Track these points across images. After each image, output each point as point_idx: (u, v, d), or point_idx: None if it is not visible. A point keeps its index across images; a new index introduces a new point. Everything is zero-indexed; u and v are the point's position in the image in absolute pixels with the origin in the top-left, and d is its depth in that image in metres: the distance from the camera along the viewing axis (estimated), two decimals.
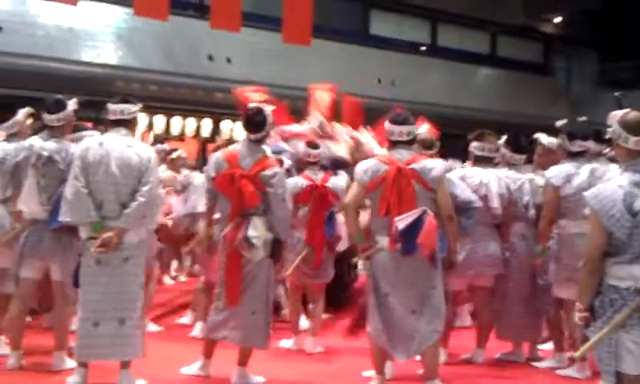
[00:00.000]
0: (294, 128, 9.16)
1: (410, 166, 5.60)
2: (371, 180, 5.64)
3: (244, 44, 17.51)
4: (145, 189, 5.61)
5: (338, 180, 7.53)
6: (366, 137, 9.54)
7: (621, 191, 4.01)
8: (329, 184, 7.28)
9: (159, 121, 17.46)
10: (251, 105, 6.38)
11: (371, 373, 5.92)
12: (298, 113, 9.93)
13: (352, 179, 8.19)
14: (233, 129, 17.52)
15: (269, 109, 6.24)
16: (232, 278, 5.88)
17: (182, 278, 11.49)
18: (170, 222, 9.09)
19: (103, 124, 7.49)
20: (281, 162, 6.65)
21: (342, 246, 7.27)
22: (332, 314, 8.45)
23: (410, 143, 5.79)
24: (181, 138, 17.82)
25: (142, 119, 16.23)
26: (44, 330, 6.95)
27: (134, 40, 17.21)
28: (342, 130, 9.42)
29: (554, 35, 26.93)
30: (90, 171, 5.60)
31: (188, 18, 17.84)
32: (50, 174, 5.99)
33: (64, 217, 5.63)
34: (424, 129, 6.88)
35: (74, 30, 16.45)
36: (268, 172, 5.92)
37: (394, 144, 5.77)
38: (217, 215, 6.20)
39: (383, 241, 5.60)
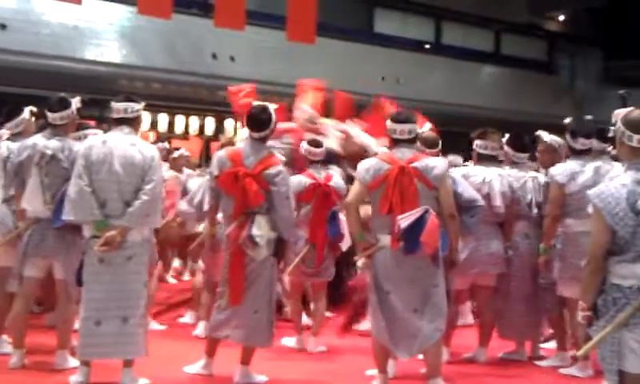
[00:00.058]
0: (284, 123, 9.18)
1: (412, 165, 5.59)
2: (373, 179, 5.63)
3: (248, 42, 17.53)
4: (148, 187, 5.61)
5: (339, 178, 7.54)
6: (356, 129, 9.55)
7: (624, 190, 4.00)
8: (332, 183, 7.27)
9: (162, 119, 17.48)
10: (255, 103, 6.37)
11: (374, 372, 5.91)
12: None
13: (345, 173, 8.28)
14: (237, 127, 17.53)
15: (272, 107, 6.24)
16: (235, 276, 5.88)
17: (186, 277, 11.50)
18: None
19: (107, 122, 7.50)
20: None
21: (344, 245, 7.26)
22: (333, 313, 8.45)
23: (411, 141, 5.78)
24: (184, 136, 17.84)
25: (146, 118, 16.23)
26: (47, 329, 6.95)
27: (137, 38, 17.23)
28: (330, 124, 9.43)
29: (558, 33, 26.93)
30: (94, 170, 5.60)
31: (192, 16, 17.86)
32: (53, 172, 5.99)
33: (67, 215, 5.63)
34: (427, 127, 6.86)
35: (78, 29, 16.48)
36: (272, 170, 5.92)
37: (395, 142, 5.77)
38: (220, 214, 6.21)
39: (385, 239, 5.59)
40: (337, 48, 19.85)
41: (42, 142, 6.04)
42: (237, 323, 5.93)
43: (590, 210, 4.13)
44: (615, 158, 6.27)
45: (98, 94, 12.84)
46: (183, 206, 8.24)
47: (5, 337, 6.52)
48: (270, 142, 7.11)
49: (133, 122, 5.86)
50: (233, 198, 5.86)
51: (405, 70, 21.84)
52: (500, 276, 6.90)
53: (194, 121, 18.09)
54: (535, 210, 6.91)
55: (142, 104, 5.94)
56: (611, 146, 6.32)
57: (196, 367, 6.18)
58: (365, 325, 7.92)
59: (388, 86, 20.75)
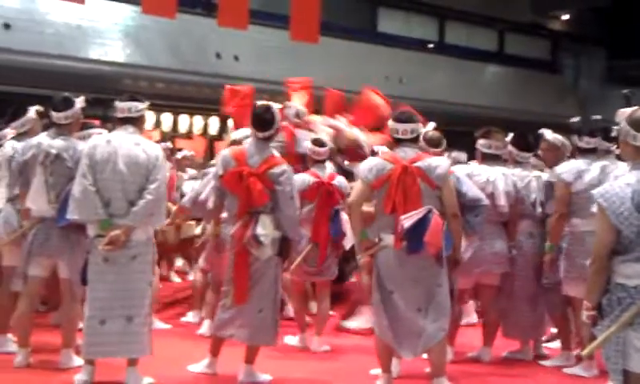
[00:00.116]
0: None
1: (415, 164, 5.59)
2: (376, 178, 5.63)
3: (252, 42, 17.51)
4: (152, 186, 5.62)
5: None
6: (344, 123, 9.59)
7: (629, 189, 4.00)
8: (335, 181, 7.28)
9: (166, 119, 17.48)
10: (259, 103, 6.37)
11: (378, 371, 5.91)
12: None
13: (341, 168, 8.28)
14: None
15: (277, 106, 6.25)
16: (240, 275, 5.88)
17: (192, 277, 11.51)
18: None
19: (111, 122, 7.51)
20: None
21: (347, 244, 7.26)
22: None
23: (414, 141, 5.79)
24: (188, 135, 17.84)
25: (150, 117, 16.24)
26: (51, 328, 6.97)
27: (141, 38, 17.23)
28: (318, 120, 9.45)
29: (562, 32, 26.88)
30: (98, 169, 5.60)
31: (196, 15, 17.84)
32: (58, 171, 6.00)
33: (72, 215, 5.64)
34: (431, 126, 6.86)
35: (82, 28, 16.47)
36: (276, 170, 5.92)
37: (397, 142, 5.77)
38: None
39: (388, 239, 5.59)
40: (340, 47, 19.83)
41: (46, 141, 6.05)
42: (241, 322, 5.93)
43: (595, 209, 4.13)
44: (620, 158, 6.27)
45: (102, 94, 12.83)
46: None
47: (10, 336, 6.53)
48: None
49: (137, 122, 5.86)
50: (237, 197, 5.87)
51: (408, 69, 21.81)
52: (504, 275, 6.90)
53: (198, 120, 18.08)
54: (539, 210, 6.91)
55: (146, 103, 5.95)
56: (615, 146, 6.33)
57: (200, 366, 6.19)
58: (352, 323, 7.95)
59: (391, 86, 20.75)
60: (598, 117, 7.12)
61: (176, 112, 17.67)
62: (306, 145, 7.65)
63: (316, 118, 9.50)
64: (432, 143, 6.57)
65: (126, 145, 5.67)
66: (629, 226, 3.95)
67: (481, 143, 6.97)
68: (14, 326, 6.36)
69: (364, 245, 5.78)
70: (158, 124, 17.21)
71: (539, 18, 25.58)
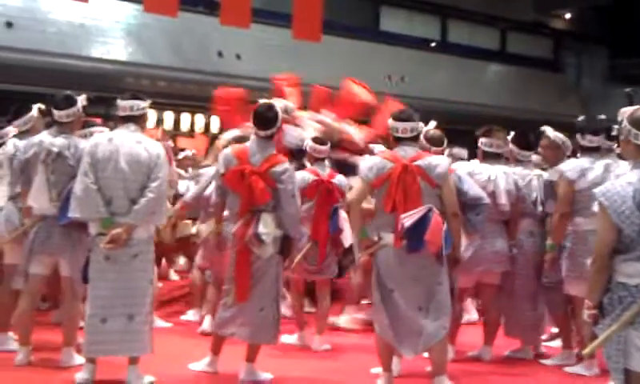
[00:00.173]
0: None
1: (415, 163, 5.59)
2: (376, 177, 5.63)
3: (254, 40, 17.53)
4: (154, 185, 5.62)
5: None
6: (331, 118, 9.64)
7: (630, 188, 4.00)
8: (335, 180, 7.27)
9: (168, 117, 17.50)
10: (261, 101, 6.37)
11: (379, 370, 5.91)
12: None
13: (336, 164, 8.28)
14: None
15: (279, 104, 6.25)
16: (241, 274, 5.88)
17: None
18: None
19: (113, 120, 7.52)
20: None
21: (346, 241, 7.24)
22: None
23: (413, 140, 5.79)
24: (190, 134, 17.85)
25: (151, 115, 16.25)
26: (53, 326, 6.97)
27: (143, 36, 17.25)
28: (305, 116, 9.47)
29: (564, 31, 26.90)
30: (100, 167, 5.60)
31: (197, 14, 17.86)
32: (59, 169, 6.00)
33: (73, 213, 5.64)
34: (432, 125, 6.85)
35: (84, 26, 16.50)
36: (278, 168, 5.92)
37: (397, 141, 5.77)
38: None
39: (388, 237, 5.59)
40: (342, 46, 19.84)
41: (48, 139, 6.05)
42: (242, 321, 5.93)
43: (596, 208, 4.13)
44: (622, 157, 6.26)
45: (103, 92, 12.86)
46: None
47: (11, 334, 6.53)
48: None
49: (139, 120, 5.86)
50: (239, 195, 5.87)
51: (410, 67, 21.82)
52: (505, 274, 6.89)
53: (200, 119, 18.10)
54: (540, 208, 6.90)
55: (148, 102, 5.95)
56: (617, 144, 6.32)
57: (201, 364, 6.19)
58: (339, 320, 7.94)
59: (394, 84, 20.77)
60: (603, 116, 7.09)
61: (178, 110, 17.69)
62: (292, 139, 7.66)
63: (303, 114, 9.53)
64: (433, 142, 6.58)
65: (128, 143, 5.67)
66: (630, 224, 3.95)
67: (482, 142, 6.97)
68: (15, 324, 6.36)
69: (364, 243, 5.78)
70: (159, 122, 17.21)
71: (541, 17, 25.60)
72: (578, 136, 6.69)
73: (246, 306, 5.90)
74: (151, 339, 5.71)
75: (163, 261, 10.43)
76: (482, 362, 6.91)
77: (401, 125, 5.75)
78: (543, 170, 7.25)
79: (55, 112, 6.14)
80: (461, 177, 6.30)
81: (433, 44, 24.02)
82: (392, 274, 5.60)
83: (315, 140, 7.50)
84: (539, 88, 24.58)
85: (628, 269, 3.98)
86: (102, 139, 5.76)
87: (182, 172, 10.61)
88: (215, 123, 18.14)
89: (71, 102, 6.16)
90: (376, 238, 5.70)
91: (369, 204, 6.08)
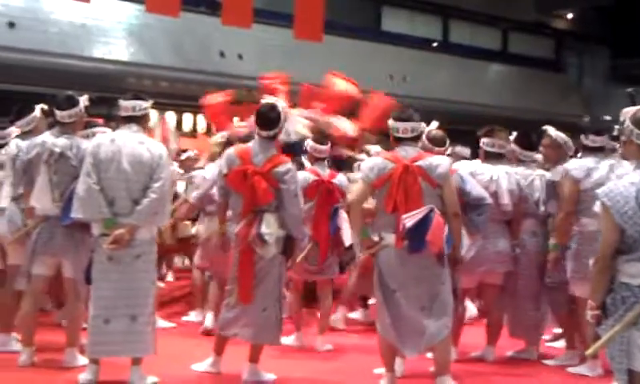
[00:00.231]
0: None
1: (416, 163, 5.59)
2: (377, 177, 5.62)
3: (255, 40, 17.53)
4: (156, 185, 5.62)
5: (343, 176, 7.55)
6: (318, 114, 9.69)
7: (633, 188, 4.00)
8: (335, 180, 7.27)
9: (170, 117, 17.49)
10: (264, 101, 6.37)
11: (382, 370, 5.91)
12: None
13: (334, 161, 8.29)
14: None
15: (282, 104, 6.26)
16: (244, 274, 5.88)
17: None
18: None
19: (115, 120, 7.52)
20: None
21: (346, 241, 7.24)
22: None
23: (414, 140, 5.78)
24: (192, 134, 17.85)
25: (153, 116, 16.23)
26: (56, 327, 6.97)
27: (145, 36, 17.25)
28: (295, 113, 9.52)
29: (565, 31, 26.89)
30: (102, 168, 5.61)
31: (199, 14, 17.85)
32: (62, 170, 6.00)
33: (76, 213, 5.64)
34: (434, 125, 6.84)
35: (86, 27, 16.50)
36: (281, 168, 5.92)
37: (398, 141, 5.76)
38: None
39: (389, 238, 5.59)
40: (344, 46, 19.83)
41: (50, 139, 6.06)
42: (245, 321, 5.93)
43: (597, 208, 4.13)
44: (624, 157, 6.26)
45: (105, 92, 12.85)
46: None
47: (14, 334, 6.54)
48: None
49: (141, 120, 5.86)
50: (242, 196, 5.87)
51: (412, 68, 21.82)
52: (507, 274, 6.89)
53: (202, 119, 18.09)
54: (542, 208, 6.90)
55: (150, 102, 5.95)
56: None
57: (204, 365, 6.19)
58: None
59: (395, 84, 20.77)
60: (608, 117, 7.05)
61: (180, 111, 17.69)
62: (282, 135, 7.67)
63: (293, 111, 9.56)
64: (436, 142, 6.57)
65: (130, 144, 5.67)
66: (633, 225, 3.95)
67: (484, 142, 6.96)
68: (19, 325, 6.36)
69: (365, 244, 5.78)
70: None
71: (543, 17, 25.59)
72: (582, 136, 6.68)
73: (248, 307, 5.90)
74: (154, 340, 5.71)
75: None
76: (485, 363, 6.90)
77: (401, 125, 5.74)
78: (546, 170, 7.24)
79: (57, 112, 6.14)
80: (463, 177, 6.29)
81: (434, 44, 24.02)
82: (394, 275, 5.59)
83: (315, 140, 7.49)
84: (541, 88, 24.57)
85: (631, 269, 3.99)
86: (104, 140, 5.76)
87: (182, 172, 10.62)
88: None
89: (73, 103, 6.17)
90: (377, 239, 5.70)
91: (368, 204, 6.08)
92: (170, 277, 11.11)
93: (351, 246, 7.15)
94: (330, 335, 7.44)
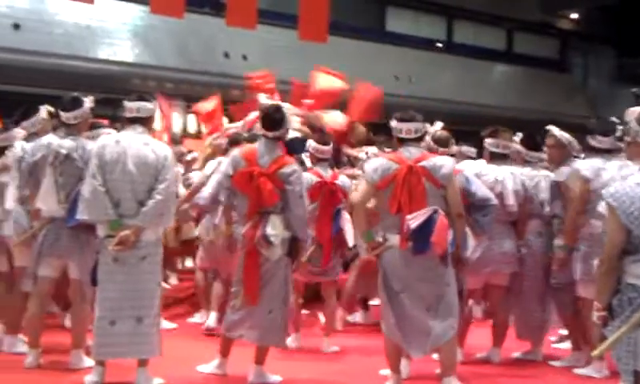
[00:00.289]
0: (251, 115, 9.29)
1: (420, 164, 5.59)
2: (381, 178, 5.62)
3: (260, 41, 17.54)
4: (162, 187, 5.62)
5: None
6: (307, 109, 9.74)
7: (639, 189, 3.99)
8: (338, 181, 7.25)
9: (175, 118, 17.51)
10: (269, 103, 6.37)
11: (387, 372, 5.91)
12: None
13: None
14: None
15: (287, 106, 6.26)
16: (250, 276, 5.88)
17: None
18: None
19: (120, 122, 7.52)
20: None
21: (349, 241, 7.23)
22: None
23: (417, 140, 5.78)
24: (197, 135, 17.84)
25: (158, 117, 16.26)
26: (62, 329, 6.98)
27: (150, 38, 17.27)
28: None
29: (570, 31, 26.86)
30: (107, 169, 5.61)
31: (204, 15, 17.88)
32: (67, 171, 6.01)
33: (81, 215, 5.65)
34: (438, 126, 6.83)
35: (91, 28, 16.53)
36: (286, 170, 5.92)
37: (401, 142, 5.76)
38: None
39: (393, 239, 5.58)
40: (349, 47, 19.84)
41: (55, 141, 6.06)
42: (251, 323, 5.93)
43: (601, 208, 4.12)
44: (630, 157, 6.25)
45: (110, 94, 12.84)
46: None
47: (21, 336, 6.54)
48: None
49: (146, 122, 5.86)
50: (247, 197, 5.87)
51: (417, 68, 21.82)
52: (513, 275, 6.88)
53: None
54: (548, 209, 6.88)
55: (155, 103, 5.95)
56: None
57: (210, 367, 6.19)
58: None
59: (400, 85, 20.78)
60: (615, 120, 7.03)
61: (185, 112, 17.70)
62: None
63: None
64: (440, 143, 6.55)
65: (135, 145, 5.67)
66: (639, 225, 3.94)
67: (488, 142, 6.95)
68: (25, 327, 6.37)
69: (370, 245, 5.78)
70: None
71: (548, 17, 25.57)
72: (589, 137, 6.66)
73: (254, 309, 5.89)
74: (160, 341, 5.71)
75: None
76: (491, 364, 6.89)
77: (404, 125, 5.74)
78: (549, 170, 7.22)
79: (62, 114, 6.15)
80: (468, 178, 6.29)
81: (439, 44, 24.02)
82: (398, 276, 5.59)
83: (318, 141, 7.47)
84: (546, 88, 24.55)
85: (637, 270, 3.98)
86: (109, 141, 5.76)
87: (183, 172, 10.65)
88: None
89: (78, 104, 6.17)
90: (381, 240, 5.70)
91: (369, 204, 6.08)
92: (173, 279, 11.10)
93: (354, 246, 7.14)
94: (335, 336, 7.42)
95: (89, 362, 5.95)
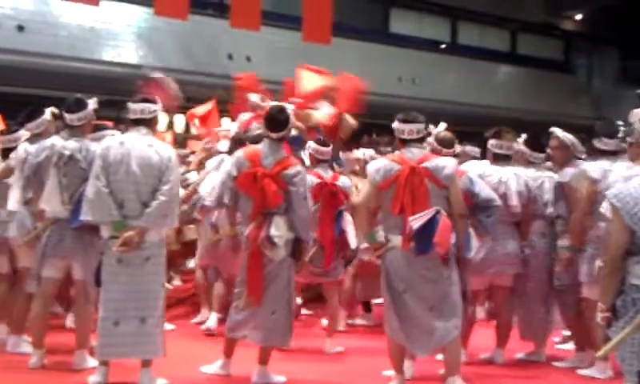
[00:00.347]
0: (245, 115, 9.29)
1: (423, 165, 5.60)
2: (383, 179, 5.63)
3: (264, 43, 17.55)
4: (165, 188, 5.63)
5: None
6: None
7: None
8: (339, 182, 7.25)
9: (179, 120, 17.52)
10: (273, 103, 6.37)
11: (391, 372, 5.91)
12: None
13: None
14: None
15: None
16: (254, 277, 5.88)
17: None
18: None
19: (124, 123, 7.54)
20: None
21: (352, 243, 7.23)
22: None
23: (420, 141, 5.79)
24: (198, 137, 17.84)
25: (162, 118, 16.28)
26: (66, 329, 6.99)
27: (154, 39, 17.29)
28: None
29: (574, 32, 26.86)
30: (111, 170, 5.62)
31: (208, 17, 17.90)
32: (71, 172, 6.01)
33: (85, 216, 5.66)
34: (442, 127, 6.83)
35: (95, 30, 16.56)
36: (290, 171, 5.92)
37: (404, 143, 5.77)
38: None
39: (396, 240, 5.59)
40: (352, 48, 19.84)
41: (59, 142, 6.07)
42: (255, 324, 5.94)
43: (602, 209, 4.12)
44: (632, 158, 6.24)
45: (114, 95, 12.87)
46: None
47: (25, 336, 6.55)
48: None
49: (150, 123, 5.87)
50: (251, 198, 5.87)
51: (421, 70, 21.83)
52: (517, 276, 6.87)
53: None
54: (551, 210, 6.87)
55: (159, 105, 5.96)
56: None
57: (214, 367, 6.20)
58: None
59: (404, 86, 20.80)
60: (621, 123, 7.00)
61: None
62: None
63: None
64: (444, 144, 6.55)
65: (139, 146, 5.68)
66: None
67: (492, 143, 6.94)
68: (29, 327, 6.38)
69: (372, 246, 5.78)
70: (170, 125, 17.24)
71: (551, 18, 25.58)
72: (595, 139, 6.64)
73: (258, 309, 5.90)
74: (164, 342, 5.72)
75: None
76: (495, 365, 6.88)
77: (407, 127, 5.75)
78: (553, 171, 7.22)
79: (67, 115, 6.16)
80: (472, 179, 6.29)
81: (443, 46, 24.02)
82: (401, 276, 5.60)
83: (318, 142, 7.47)
84: (550, 89, 24.55)
85: None
86: (113, 142, 5.78)
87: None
88: (226, 126, 18.17)
89: (82, 105, 6.18)
90: (383, 241, 5.70)
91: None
92: (177, 281, 11.12)
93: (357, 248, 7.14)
94: (338, 337, 7.42)
95: (93, 362, 5.96)
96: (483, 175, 6.64)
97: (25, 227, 6.37)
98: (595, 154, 6.67)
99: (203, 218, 8.10)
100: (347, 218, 7.10)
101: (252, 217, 5.85)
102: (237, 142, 7.67)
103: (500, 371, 6.75)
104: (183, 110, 17.22)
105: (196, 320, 8.30)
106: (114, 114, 12.61)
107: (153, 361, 5.70)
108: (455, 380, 5.68)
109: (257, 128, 8.28)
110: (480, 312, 8.09)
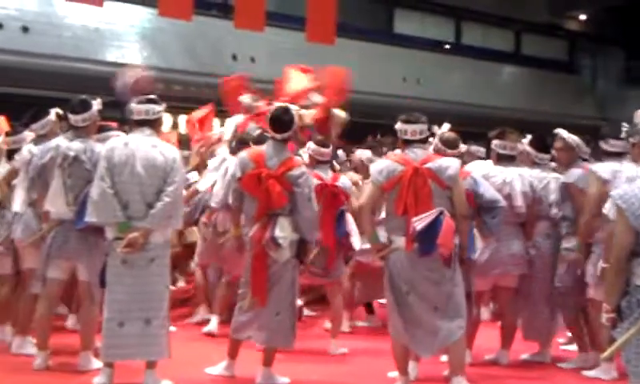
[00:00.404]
0: (239, 118, 9.30)
1: (426, 166, 5.60)
2: (387, 180, 5.63)
3: (268, 43, 17.54)
4: (170, 189, 5.63)
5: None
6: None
7: None
8: (339, 183, 7.23)
9: (183, 121, 17.54)
10: (277, 104, 6.38)
11: (396, 373, 5.91)
12: None
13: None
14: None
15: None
16: (258, 278, 5.88)
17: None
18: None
19: (128, 124, 7.54)
20: None
21: (356, 244, 7.22)
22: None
23: (422, 142, 5.79)
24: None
25: (166, 119, 16.29)
26: (71, 330, 6.99)
27: (158, 40, 17.30)
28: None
29: (578, 33, 26.80)
30: (116, 172, 5.62)
31: (212, 17, 17.90)
32: (76, 173, 6.02)
33: (90, 217, 5.66)
34: (446, 127, 6.81)
35: (99, 31, 16.57)
36: (295, 172, 5.92)
37: (407, 143, 5.77)
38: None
39: (399, 241, 5.60)
40: (357, 49, 19.82)
41: (64, 143, 6.08)
42: (259, 325, 5.94)
43: (605, 210, 4.12)
44: (635, 159, 6.23)
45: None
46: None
47: (29, 338, 6.56)
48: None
49: (154, 124, 5.88)
50: (256, 199, 5.87)
51: (425, 70, 21.81)
52: (521, 277, 6.87)
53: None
54: (556, 210, 6.86)
55: (163, 106, 5.96)
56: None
57: (218, 368, 6.20)
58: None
59: (409, 87, 20.78)
60: (626, 125, 6.98)
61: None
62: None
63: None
64: (448, 144, 6.53)
65: (144, 147, 5.69)
66: None
67: (496, 144, 6.94)
68: (34, 329, 6.38)
69: (375, 247, 5.79)
70: (174, 126, 17.25)
71: (556, 19, 25.53)
72: (601, 141, 6.63)
73: (262, 310, 5.90)
74: (168, 343, 5.73)
75: None
76: (500, 366, 6.88)
77: (410, 127, 5.76)
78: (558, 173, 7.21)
79: (71, 116, 6.16)
80: (476, 180, 6.28)
81: (447, 46, 24.00)
82: (406, 277, 5.61)
83: (317, 143, 7.45)
84: (554, 90, 24.50)
85: None
86: (117, 143, 5.78)
87: None
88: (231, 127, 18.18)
89: (87, 106, 6.19)
90: (387, 242, 5.70)
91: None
92: (181, 282, 11.12)
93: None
94: (342, 339, 7.41)
95: (97, 363, 5.97)
96: (487, 176, 6.63)
97: (30, 228, 6.38)
98: (600, 155, 6.66)
99: (209, 222, 8.09)
100: (349, 219, 7.09)
101: (256, 218, 5.85)
102: (240, 143, 7.66)
103: (505, 372, 6.75)
104: (188, 110, 17.33)
105: (193, 320, 8.27)
106: (119, 114, 12.61)
107: (157, 362, 5.70)
108: (460, 380, 5.68)
109: (255, 128, 8.31)
110: (484, 313, 8.09)
